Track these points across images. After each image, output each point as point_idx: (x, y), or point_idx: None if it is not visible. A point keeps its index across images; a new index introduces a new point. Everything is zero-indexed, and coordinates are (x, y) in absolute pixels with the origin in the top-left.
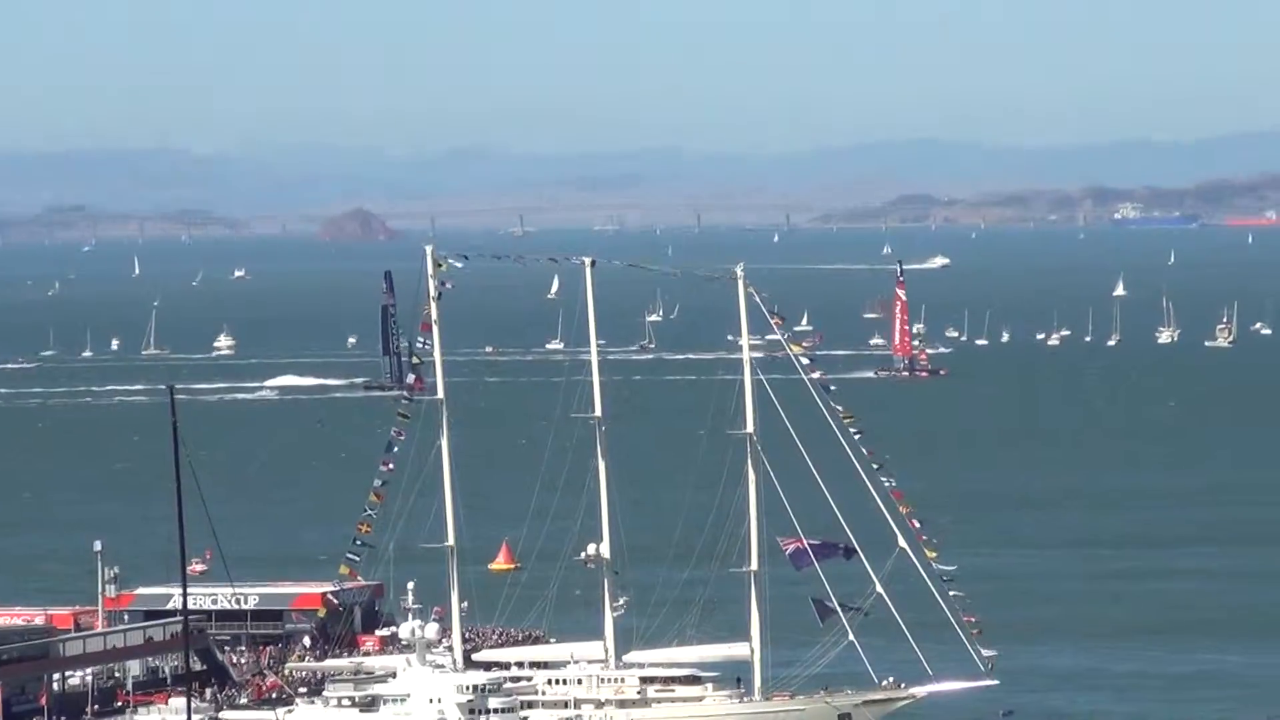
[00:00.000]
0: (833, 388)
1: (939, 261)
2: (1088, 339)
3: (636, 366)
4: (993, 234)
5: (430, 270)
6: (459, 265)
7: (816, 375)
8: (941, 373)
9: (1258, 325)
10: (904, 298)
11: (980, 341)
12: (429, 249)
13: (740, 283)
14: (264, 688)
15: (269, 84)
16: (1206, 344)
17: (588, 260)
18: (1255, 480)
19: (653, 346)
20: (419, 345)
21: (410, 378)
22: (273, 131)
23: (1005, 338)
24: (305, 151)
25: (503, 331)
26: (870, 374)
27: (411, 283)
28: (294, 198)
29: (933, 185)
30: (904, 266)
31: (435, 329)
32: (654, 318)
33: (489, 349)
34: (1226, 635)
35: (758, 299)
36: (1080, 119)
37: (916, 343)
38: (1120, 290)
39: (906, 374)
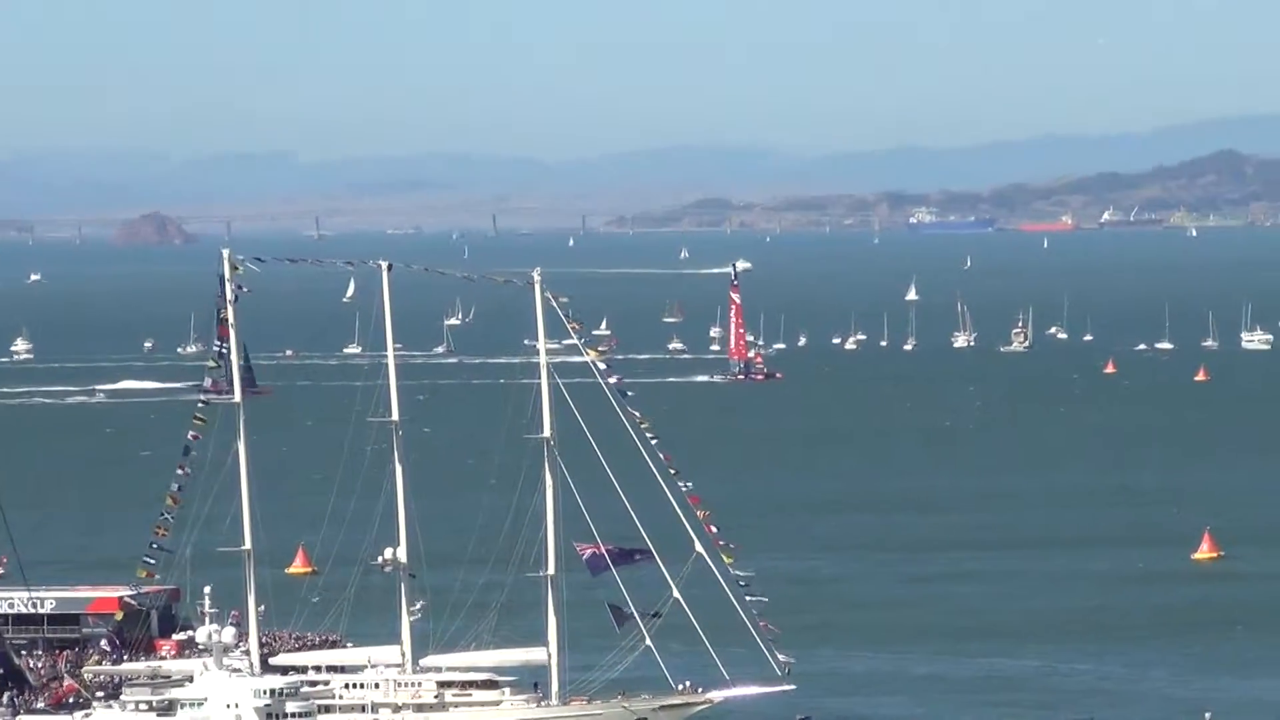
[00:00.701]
0: (630, 392)
1: (741, 265)
2: (883, 343)
3: (438, 370)
4: (788, 239)
5: (227, 274)
6: (255, 268)
7: (614, 380)
8: (777, 376)
9: (1053, 329)
10: (739, 301)
11: (778, 345)
12: (225, 252)
13: (537, 287)
14: (61, 692)
15: (62, 86)
16: (1001, 349)
17: (384, 264)
18: (1048, 484)
19: (453, 350)
20: (216, 348)
21: (208, 380)
22: (67, 135)
23: (802, 342)
24: (100, 155)
25: (302, 335)
26: (705, 378)
27: (209, 287)
28: (89, 202)
29: (728, 190)
30: (704, 271)
31: (232, 332)
32: (452, 321)
33: (289, 352)
34: (1022, 639)
35: (554, 303)
36: (875, 124)
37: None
38: (913, 294)
39: (742, 378)
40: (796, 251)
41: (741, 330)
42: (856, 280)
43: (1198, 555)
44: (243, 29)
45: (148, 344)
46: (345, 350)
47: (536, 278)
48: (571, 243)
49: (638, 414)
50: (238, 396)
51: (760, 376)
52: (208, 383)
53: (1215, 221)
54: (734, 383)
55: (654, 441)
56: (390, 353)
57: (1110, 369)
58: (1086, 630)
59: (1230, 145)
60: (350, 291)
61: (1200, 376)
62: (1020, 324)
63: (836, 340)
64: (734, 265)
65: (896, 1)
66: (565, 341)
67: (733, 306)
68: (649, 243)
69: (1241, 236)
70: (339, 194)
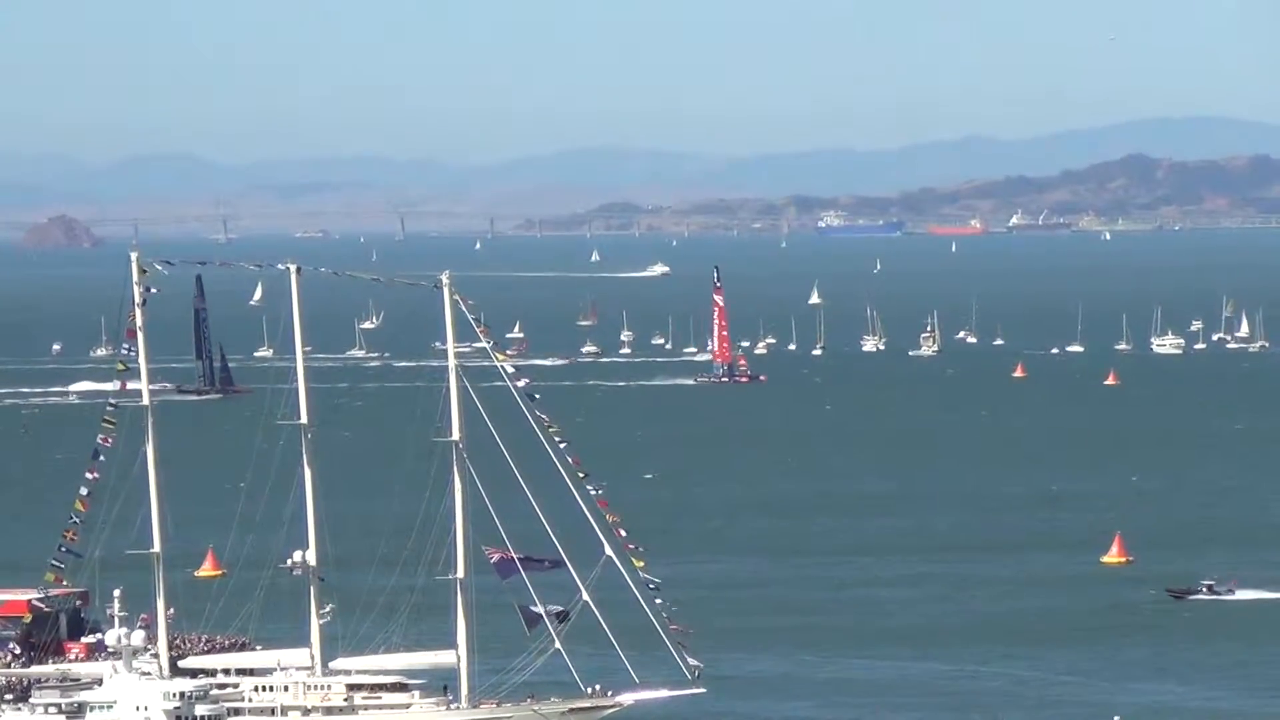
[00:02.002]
0: (537, 396)
1: (659, 269)
2: (791, 347)
3: (356, 373)
4: (695, 242)
5: (135, 276)
6: (164, 271)
7: (522, 383)
8: (761, 379)
9: (962, 333)
10: (722, 303)
11: (689, 349)
12: (134, 255)
13: (446, 290)
14: None
15: None
16: (910, 353)
17: (293, 267)
18: (959, 488)
19: (385, 355)
20: (124, 351)
21: (118, 383)
22: None
23: (710, 345)
24: (8, 159)
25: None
26: (689, 380)
27: (118, 290)
28: None
29: (636, 193)
30: (620, 275)
31: (140, 335)
32: (367, 325)
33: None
34: (932, 642)
35: (463, 306)
36: (784, 128)
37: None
38: (815, 299)
39: (726, 380)
40: (704, 255)
41: (725, 333)
42: (763, 284)
43: (1108, 558)
44: (149, 34)
45: (56, 346)
46: (256, 354)
47: (445, 281)
48: (479, 246)
49: (545, 417)
50: (146, 399)
51: (744, 379)
52: (211, 382)
53: (1124, 225)
54: (717, 385)
55: (563, 445)
56: (299, 355)
57: (1020, 373)
58: (997, 633)
59: (1140, 149)
60: (258, 294)
61: (1110, 380)
62: (929, 328)
63: (746, 344)
64: (715, 269)
65: (806, 6)
66: (475, 344)
67: (716, 309)
68: (558, 246)
69: (1151, 240)
70: (245, 197)
